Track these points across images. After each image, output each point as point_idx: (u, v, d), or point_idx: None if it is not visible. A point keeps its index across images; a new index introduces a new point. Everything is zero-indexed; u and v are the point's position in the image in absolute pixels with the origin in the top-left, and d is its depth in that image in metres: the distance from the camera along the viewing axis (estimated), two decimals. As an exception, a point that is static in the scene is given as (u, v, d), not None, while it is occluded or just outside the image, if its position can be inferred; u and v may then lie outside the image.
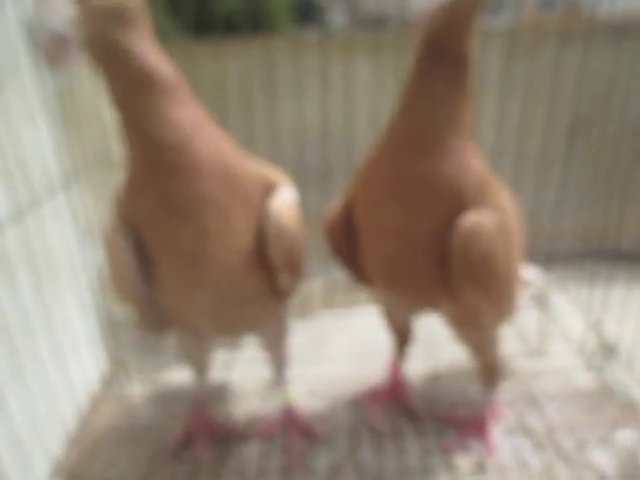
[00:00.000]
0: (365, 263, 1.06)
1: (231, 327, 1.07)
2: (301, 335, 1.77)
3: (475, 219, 0.89)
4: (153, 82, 0.82)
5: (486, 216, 0.90)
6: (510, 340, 1.64)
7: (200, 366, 1.23)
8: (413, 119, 0.89)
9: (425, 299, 1.06)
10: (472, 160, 0.91)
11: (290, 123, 2.46)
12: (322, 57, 2.36)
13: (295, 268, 1.00)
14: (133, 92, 0.82)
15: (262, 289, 0.98)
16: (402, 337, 1.29)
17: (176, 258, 0.90)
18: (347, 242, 1.06)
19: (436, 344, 1.56)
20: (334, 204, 1.09)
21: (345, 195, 1.07)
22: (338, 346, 1.71)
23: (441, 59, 0.87)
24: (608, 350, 1.52)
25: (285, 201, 0.96)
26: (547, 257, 1.77)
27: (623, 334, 1.52)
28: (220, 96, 2.38)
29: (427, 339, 1.54)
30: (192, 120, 0.85)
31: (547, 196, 1.90)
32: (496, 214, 0.92)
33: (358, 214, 1.02)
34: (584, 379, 1.45)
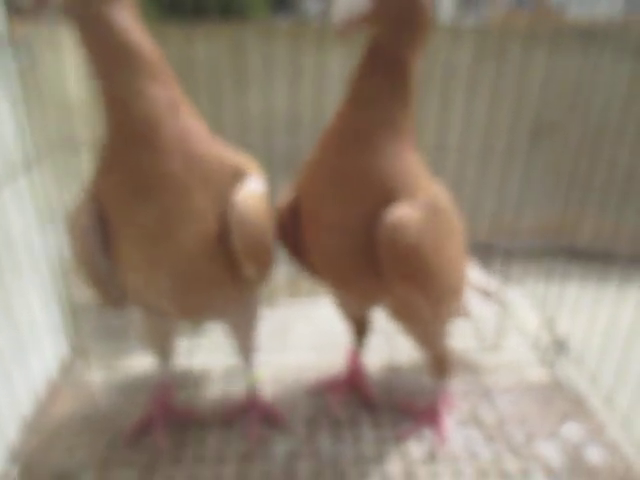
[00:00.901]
0: (309, 256, 1.08)
1: (193, 310, 1.06)
2: (265, 323, 1.79)
3: (401, 212, 0.92)
4: (135, 58, 0.83)
5: (413, 209, 0.93)
6: (466, 335, 1.69)
7: (163, 350, 1.23)
8: (352, 119, 0.93)
9: (364, 293, 1.09)
10: (404, 159, 0.94)
11: (259, 110, 2.45)
12: (293, 45, 2.35)
13: (261, 259, 1.00)
14: (115, 65, 0.83)
15: (224, 276, 0.98)
16: (359, 327, 1.32)
17: (137, 235, 0.91)
18: (294, 234, 1.08)
19: (396, 335, 1.59)
20: (282, 196, 1.10)
21: (292, 187, 1.08)
22: (301, 335, 1.73)
23: (382, 67, 0.90)
24: (560, 346, 1.58)
25: (253, 191, 0.96)
26: (507, 253, 1.82)
27: (575, 330, 1.58)
28: (188, 79, 2.35)
29: (387, 330, 1.57)
30: (168, 99, 0.86)
31: (509, 194, 1.95)
32: (425, 208, 0.95)
33: (302, 206, 1.04)
34: (537, 374, 1.51)
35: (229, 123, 2.36)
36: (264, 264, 1.02)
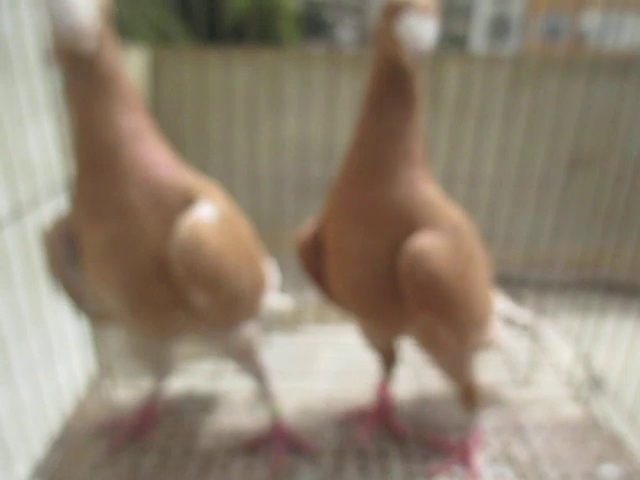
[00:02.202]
0: (332, 285, 1.07)
1: (160, 331, 1.07)
2: (290, 349, 1.77)
3: (422, 241, 0.92)
4: (108, 86, 0.85)
5: (434, 238, 0.93)
6: (499, 369, 1.64)
7: (153, 366, 1.23)
8: (368, 149, 0.93)
9: (388, 323, 1.08)
10: (422, 187, 0.95)
11: (295, 135, 2.47)
12: (329, 72, 2.38)
13: (213, 288, 0.96)
14: (87, 92, 0.84)
15: (173, 301, 0.97)
16: (386, 358, 1.30)
17: (92, 255, 0.93)
18: (317, 263, 1.08)
19: (425, 367, 1.56)
20: (306, 224, 1.10)
21: (317, 216, 1.08)
22: (327, 362, 1.71)
23: (390, 89, 0.90)
24: (595, 383, 1.52)
25: (200, 216, 0.93)
26: (541, 285, 1.78)
27: (612, 367, 1.53)
28: (227, 103, 2.39)
29: (415, 361, 1.54)
30: (132, 127, 0.88)
31: (544, 225, 1.91)
32: (446, 236, 0.94)
33: (325, 236, 1.04)
34: (571, 411, 1.45)
35: (264, 149, 2.39)
36: (221, 293, 0.97)
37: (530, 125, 2.20)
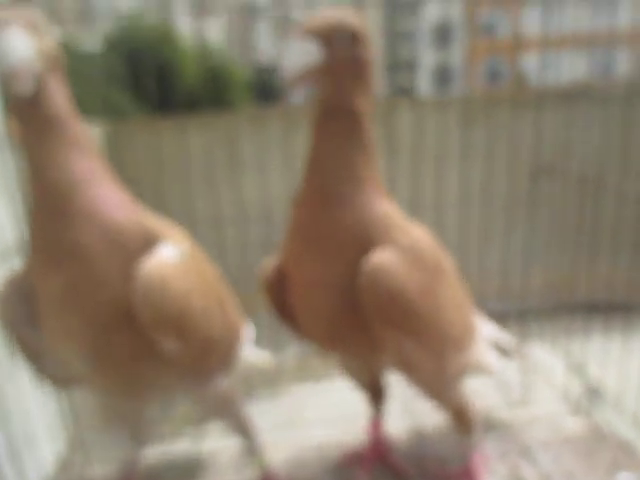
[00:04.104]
0: (298, 317, 1.04)
1: (128, 389, 0.99)
2: (276, 402, 1.69)
3: (379, 257, 0.90)
4: (56, 129, 0.84)
5: (391, 253, 0.91)
6: (491, 392, 1.60)
7: (127, 432, 1.14)
8: (315, 174, 0.94)
9: (358, 352, 1.03)
10: (376, 207, 0.94)
11: (256, 197, 2.47)
12: (283, 130, 2.41)
13: (182, 332, 0.90)
14: (40, 136, 0.84)
15: (141, 350, 0.91)
16: (373, 394, 1.23)
17: (49, 305, 0.88)
18: (282, 297, 1.05)
19: (415, 399, 1.50)
20: (269, 261, 1.07)
21: (279, 251, 1.06)
22: (315, 410, 1.63)
23: (333, 118, 0.91)
24: (594, 393, 1.49)
25: (162, 259, 0.89)
26: (521, 314, 1.77)
27: (606, 377, 1.50)
28: (185, 171, 2.39)
29: (406, 394, 1.48)
30: (86, 170, 0.86)
31: (515, 253, 1.92)
32: (404, 251, 0.92)
33: (286, 268, 1.02)
34: (573, 424, 1.40)
35: (227, 210, 2.37)
36: (185, 338, 0.92)
37: (487, 156, 2.25)
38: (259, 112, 2.73)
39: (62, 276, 0.85)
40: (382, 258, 0.90)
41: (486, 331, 1.29)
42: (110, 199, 0.88)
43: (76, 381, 1.01)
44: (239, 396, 1.11)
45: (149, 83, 2.86)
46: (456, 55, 25.86)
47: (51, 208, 0.85)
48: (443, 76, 25.82)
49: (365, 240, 0.92)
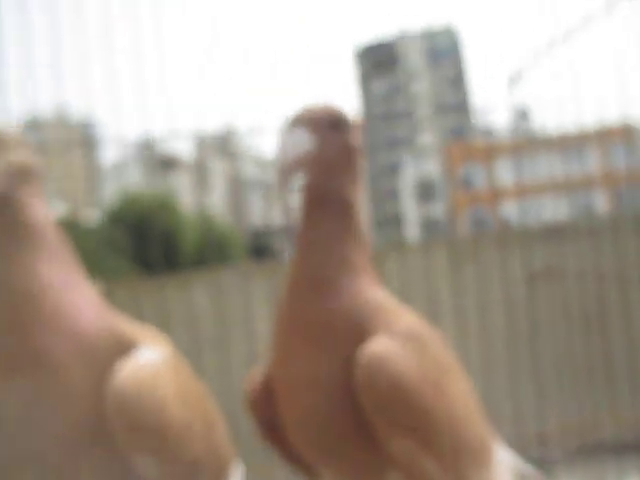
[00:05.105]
0: (288, 432, 0.90)
1: None
2: None
3: (375, 345, 0.81)
4: (29, 237, 0.84)
5: (388, 340, 0.82)
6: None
7: None
8: (303, 261, 0.90)
9: (359, 469, 0.88)
10: (369, 293, 0.88)
11: (242, 354, 2.39)
12: (271, 286, 2.39)
13: (161, 450, 0.80)
14: (8, 242, 0.82)
15: (112, 472, 0.80)
16: None
17: (2, 427, 0.77)
18: (269, 413, 0.92)
19: None
20: (253, 373, 0.96)
21: (265, 361, 0.96)
22: None
23: (322, 204, 0.90)
24: None
25: (139, 363, 0.81)
26: (543, 462, 1.60)
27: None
28: (165, 328, 2.32)
29: None
30: (56, 276, 0.83)
31: (526, 397, 1.79)
32: (405, 338, 0.84)
33: (273, 375, 0.91)
34: None
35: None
36: (166, 456, 0.82)
37: (479, 292, 2.21)
38: (247, 268, 2.76)
39: (15, 387, 0.77)
40: (379, 346, 0.81)
41: (504, 454, 1.11)
42: (80, 306, 0.83)
43: None
44: None
45: (153, 248, 2.96)
46: (439, 208, 27.27)
47: (13, 314, 0.80)
48: (429, 227, 26.96)
49: (360, 329, 0.83)
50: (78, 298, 0.84)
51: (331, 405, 0.83)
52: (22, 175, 0.86)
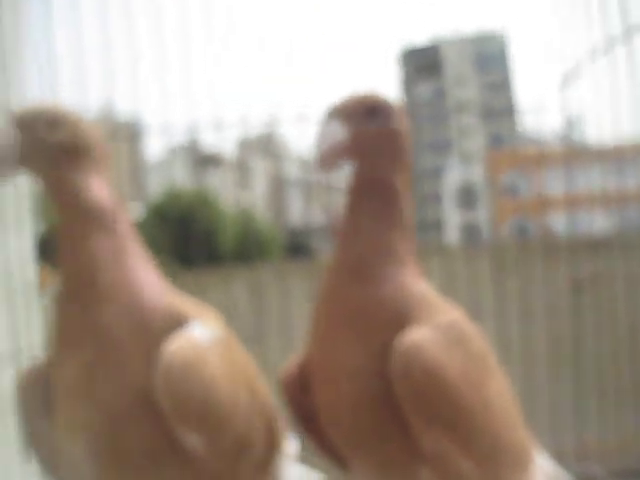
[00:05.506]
0: (323, 420, 0.89)
1: None
2: None
3: (414, 335, 0.79)
4: (83, 212, 0.85)
5: (428, 331, 0.80)
6: None
7: None
8: (347, 249, 0.88)
9: (391, 462, 0.85)
10: (412, 284, 0.86)
11: (279, 351, 2.40)
12: (309, 282, 2.39)
13: (206, 426, 0.80)
14: (64, 214, 0.85)
15: (160, 445, 0.80)
16: None
17: (60, 395, 0.82)
18: (305, 401, 0.91)
19: None
20: (291, 360, 0.95)
21: (303, 347, 0.94)
22: None
23: (367, 192, 0.88)
24: None
25: (190, 339, 0.81)
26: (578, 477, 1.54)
27: None
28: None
29: None
30: (111, 250, 0.84)
31: (568, 414, 1.73)
32: (444, 330, 0.82)
33: (310, 359, 0.90)
34: None
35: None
36: (212, 432, 0.81)
37: (522, 301, 2.15)
38: (285, 265, 2.76)
39: (79, 360, 0.80)
40: (418, 334, 0.79)
41: (543, 461, 1.06)
42: (136, 280, 0.85)
43: None
44: None
45: (194, 244, 3.02)
46: (481, 214, 26.81)
47: (74, 290, 0.83)
48: (471, 234, 26.55)
49: (402, 319, 0.82)
50: (137, 274, 0.86)
51: (368, 394, 0.81)
52: (73, 154, 0.87)
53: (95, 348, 0.80)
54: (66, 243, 0.86)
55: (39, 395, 0.86)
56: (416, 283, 0.88)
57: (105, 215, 0.87)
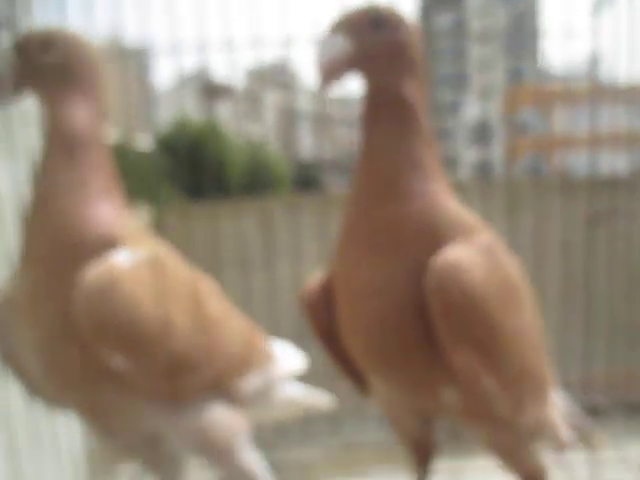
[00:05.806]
0: (346, 338, 0.88)
1: (90, 412, 0.89)
2: None
3: (452, 253, 0.76)
4: (54, 139, 0.85)
5: (466, 251, 0.78)
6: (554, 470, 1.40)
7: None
8: (371, 165, 0.84)
9: (417, 381, 0.86)
10: (442, 200, 0.83)
11: (288, 282, 2.40)
12: (319, 218, 2.37)
13: (130, 348, 0.80)
14: (47, 143, 0.86)
15: (88, 365, 0.81)
16: (419, 450, 1.00)
17: (18, 316, 0.86)
18: (328, 320, 0.90)
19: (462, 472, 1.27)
20: (314, 278, 0.94)
21: (326, 266, 0.93)
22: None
23: (382, 105, 0.84)
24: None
25: (113, 262, 0.81)
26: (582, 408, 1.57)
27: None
28: (216, 254, 2.35)
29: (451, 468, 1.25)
30: (68, 180, 0.85)
31: (576, 346, 1.74)
32: (482, 250, 0.80)
33: (335, 277, 0.88)
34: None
35: (259, 295, 2.30)
36: (134, 350, 0.81)
37: (535, 239, 2.13)
38: (295, 199, 2.73)
39: (26, 281, 0.84)
40: (456, 255, 0.77)
41: (558, 395, 1.08)
42: (82, 209, 0.84)
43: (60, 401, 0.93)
44: (242, 437, 0.94)
45: (204, 175, 2.96)
46: (495, 151, 26.37)
47: (29, 216, 0.85)
48: (484, 170, 26.22)
49: (433, 235, 0.79)
50: (86, 204, 0.85)
51: (397, 309, 0.79)
52: (61, 76, 0.86)
53: (34, 273, 0.83)
54: (37, 168, 0.87)
55: (8, 313, 0.89)
56: (447, 200, 0.84)
57: (74, 143, 0.86)
